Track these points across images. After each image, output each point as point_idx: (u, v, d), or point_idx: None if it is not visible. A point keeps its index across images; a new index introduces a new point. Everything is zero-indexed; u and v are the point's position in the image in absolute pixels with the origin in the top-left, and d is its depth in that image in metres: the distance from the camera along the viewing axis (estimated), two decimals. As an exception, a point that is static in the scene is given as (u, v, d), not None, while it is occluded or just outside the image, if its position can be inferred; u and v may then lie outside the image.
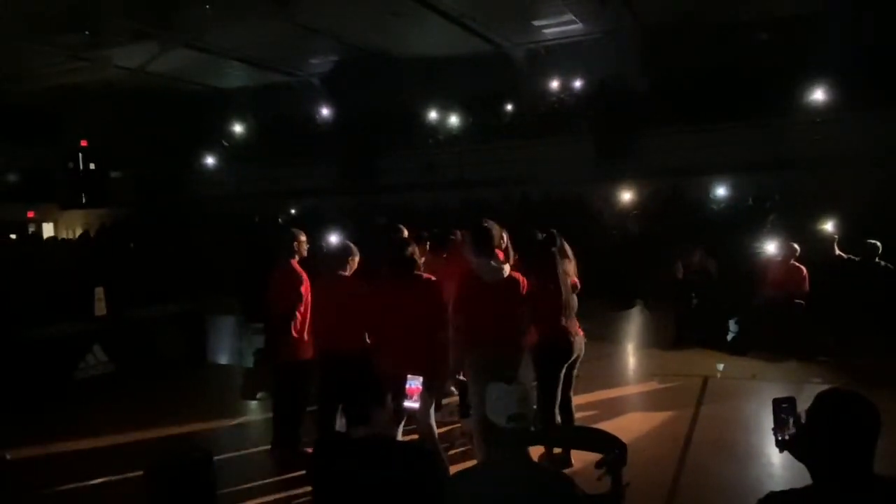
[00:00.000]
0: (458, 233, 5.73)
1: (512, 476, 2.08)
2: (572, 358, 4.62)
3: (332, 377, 4.64)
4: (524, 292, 4.39)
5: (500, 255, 4.52)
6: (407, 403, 2.81)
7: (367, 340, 4.54)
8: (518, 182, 14.92)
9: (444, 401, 5.09)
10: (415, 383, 2.88)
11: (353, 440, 2.43)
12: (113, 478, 4.86)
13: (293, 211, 17.10)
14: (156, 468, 4.13)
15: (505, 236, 4.67)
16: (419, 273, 4.32)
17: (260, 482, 4.87)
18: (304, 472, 2.66)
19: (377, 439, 2.44)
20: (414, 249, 4.35)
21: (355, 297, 4.54)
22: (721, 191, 13.29)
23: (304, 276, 5.05)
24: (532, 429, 2.22)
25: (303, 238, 5.24)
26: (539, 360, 4.62)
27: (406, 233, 5.95)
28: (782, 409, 1.99)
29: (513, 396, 2.11)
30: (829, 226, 8.75)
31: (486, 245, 4.39)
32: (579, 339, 4.65)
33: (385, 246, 5.06)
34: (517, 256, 4.76)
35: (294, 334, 4.96)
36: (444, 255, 5.66)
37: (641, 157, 14.29)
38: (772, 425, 2.01)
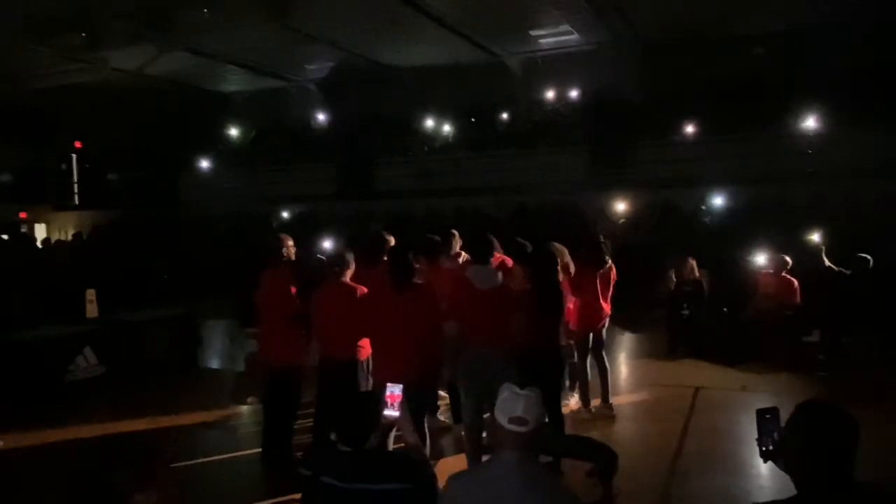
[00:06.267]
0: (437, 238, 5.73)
1: (509, 477, 2.07)
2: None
3: (332, 385, 4.65)
4: (518, 300, 4.41)
5: (506, 261, 4.56)
6: (387, 411, 2.78)
7: (370, 347, 4.56)
8: (513, 190, 14.96)
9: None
10: (396, 390, 2.85)
11: (342, 451, 2.44)
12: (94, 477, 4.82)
13: (288, 216, 17.07)
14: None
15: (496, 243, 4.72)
16: (416, 280, 4.33)
17: (249, 486, 4.86)
18: (293, 478, 2.65)
19: (367, 450, 2.45)
20: (412, 257, 4.36)
21: (361, 303, 4.56)
22: (714, 202, 13.36)
23: (294, 280, 5.05)
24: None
25: (290, 242, 5.25)
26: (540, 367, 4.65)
27: (392, 241, 5.58)
28: (766, 419, 1.97)
29: (519, 400, 2.09)
30: (816, 236, 8.79)
31: (481, 252, 4.42)
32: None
33: (381, 253, 5.08)
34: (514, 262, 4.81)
35: (285, 339, 4.95)
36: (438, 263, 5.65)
37: (636, 167, 14.37)
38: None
